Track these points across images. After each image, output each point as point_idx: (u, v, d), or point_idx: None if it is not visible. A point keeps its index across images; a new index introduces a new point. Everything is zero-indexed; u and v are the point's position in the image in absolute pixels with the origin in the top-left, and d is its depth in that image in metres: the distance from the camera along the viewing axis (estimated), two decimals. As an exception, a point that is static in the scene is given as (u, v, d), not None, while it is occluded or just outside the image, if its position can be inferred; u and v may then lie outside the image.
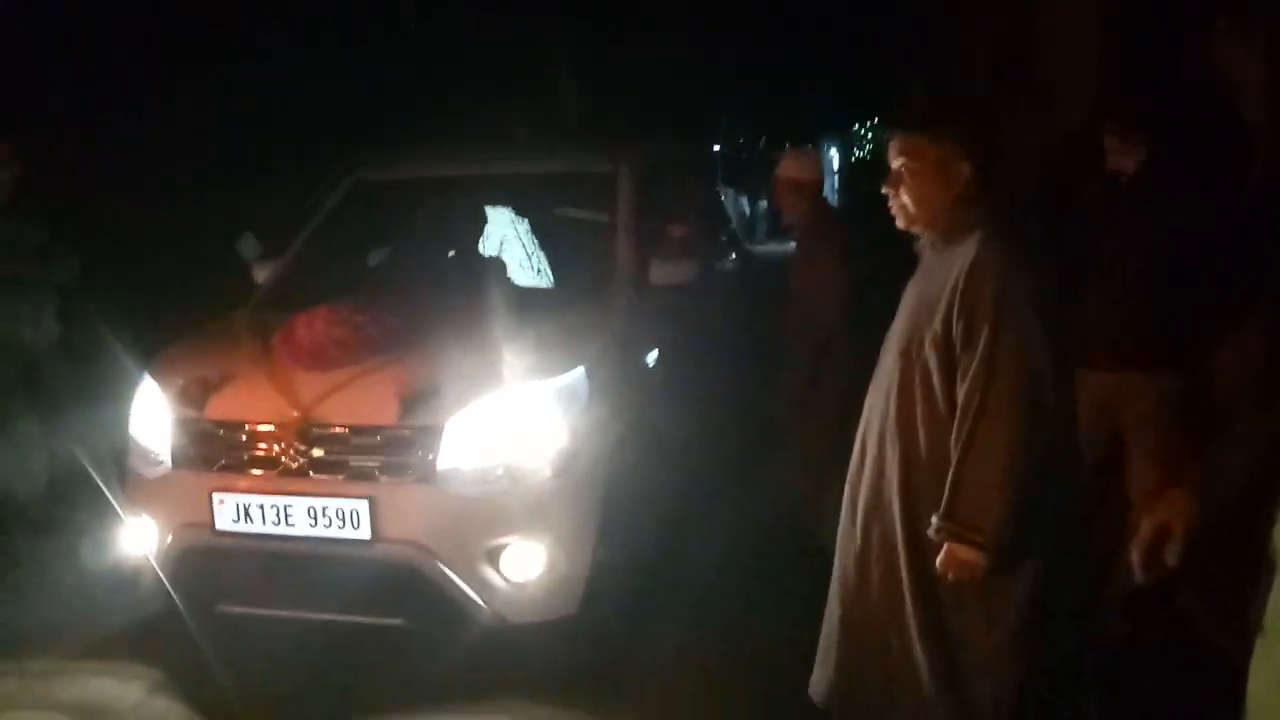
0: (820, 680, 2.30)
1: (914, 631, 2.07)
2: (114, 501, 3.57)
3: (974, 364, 1.94)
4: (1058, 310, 2.02)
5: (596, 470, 3.17)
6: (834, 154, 25.38)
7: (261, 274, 4.04)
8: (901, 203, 2.11)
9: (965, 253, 2.02)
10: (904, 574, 2.08)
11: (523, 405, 3.08)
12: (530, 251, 4.81)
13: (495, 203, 4.74)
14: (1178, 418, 2.97)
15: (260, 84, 7.47)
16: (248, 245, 4.07)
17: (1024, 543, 1.95)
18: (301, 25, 8.45)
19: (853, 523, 2.21)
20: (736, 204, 23.98)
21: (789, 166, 4.05)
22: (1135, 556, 1.64)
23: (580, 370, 3.23)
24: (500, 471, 3.00)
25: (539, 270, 4.77)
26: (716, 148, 23.32)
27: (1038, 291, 1.96)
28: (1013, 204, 2.34)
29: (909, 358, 2.07)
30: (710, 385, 4.48)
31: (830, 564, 2.30)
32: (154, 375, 3.32)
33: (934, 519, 1.98)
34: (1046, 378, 1.92)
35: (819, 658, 2.32)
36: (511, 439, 3.03)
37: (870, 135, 17.36)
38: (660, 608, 3.58)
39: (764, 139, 26.53)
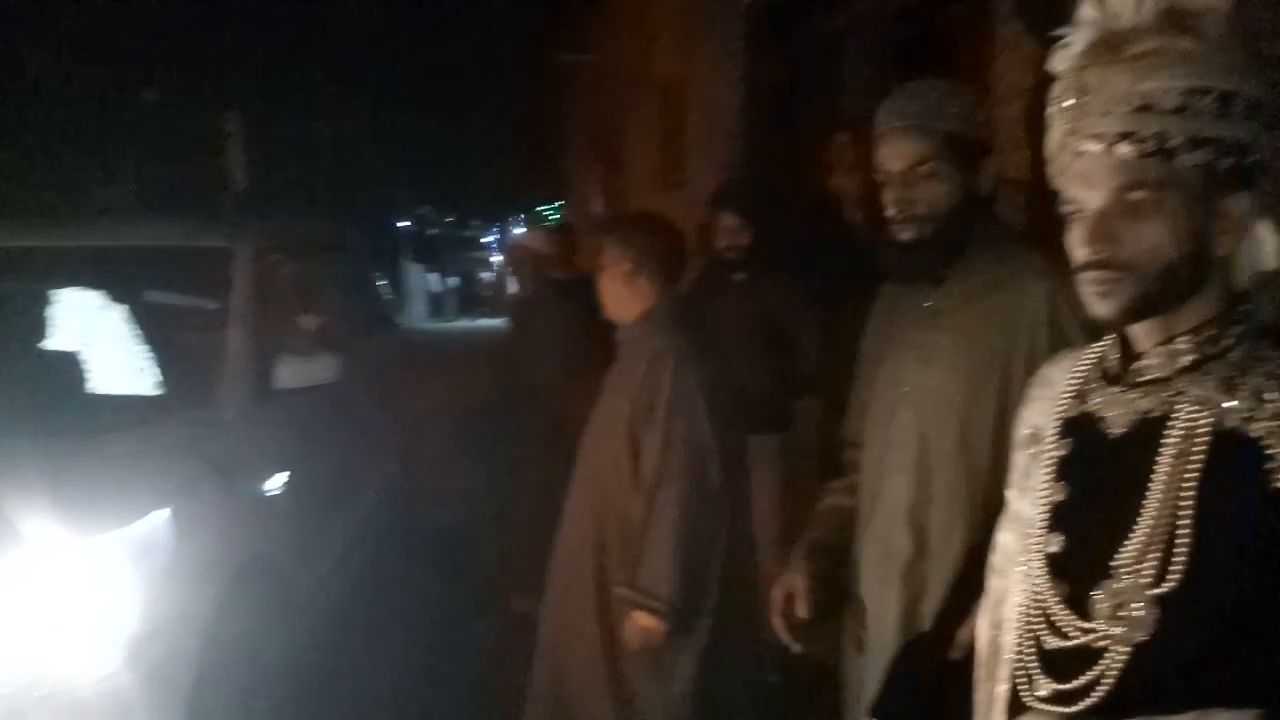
0: None
1: (605, 693, 2.17)
2: None
3: (652, 444, 2.12)
4: (721, 392, 2.21)
5: (182, 655, 2.29)
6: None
7: None
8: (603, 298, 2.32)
9: (650, 344, 2.22)
10: (595, 643, 2.18)
11: (64, 572, 2.14)
12: (118, 347, 3.74)
13: (71, 283, 3.65)
14: (783, 478, 3.21)
15: None
16: None
17: (697, 605, 2.12)
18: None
19: (557, 594, 2.31)
20: (425, 281, 23.28)
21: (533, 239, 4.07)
22: (773, 619, 1.72)
23: (162, 513, 2.35)
24: (25, 680, 2.04)
25: (134, 371, 3.72)
26: (402, 224, 22.58)
27: (703, 376, 2.16)
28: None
29: (603, 440, 2.24)
30: (365, 508, 3.71)
31: None
32: None
33: (617, 589, 2.13)
34: (714, 454, 2.13)
35: None
36: (46, 625, 2.08)
37: (555, 216, 17.55)
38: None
39: (452, 216, 26.19)
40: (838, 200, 3.64)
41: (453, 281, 25.09)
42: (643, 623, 2.07)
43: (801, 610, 1.64)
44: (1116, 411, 0.98)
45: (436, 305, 24.20)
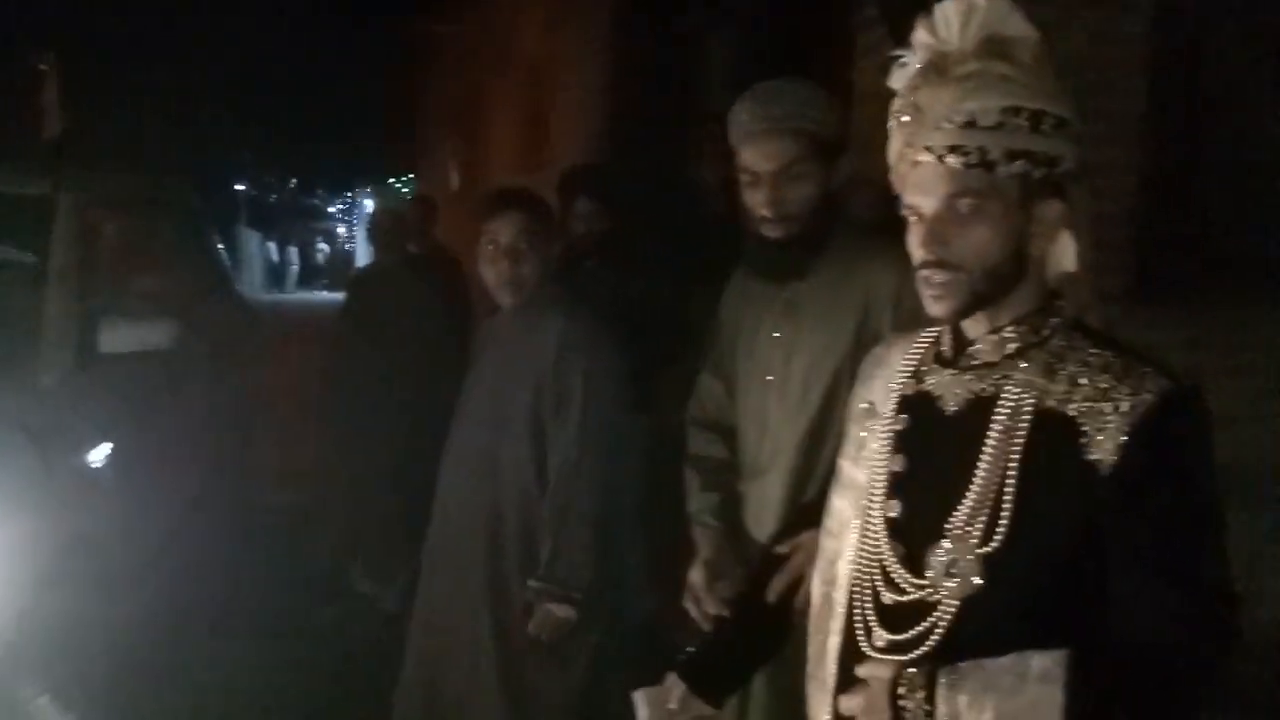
0: None
1: (494, 686, 2.11)
2: None
3: (566, 435, 2.06)
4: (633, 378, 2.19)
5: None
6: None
7: None
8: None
9: (551, 326, 2.11)
10: (487, 634, 2.11)
11: None
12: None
13: None
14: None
15: None
16: None
17: (601, 597, 2.11)
18: None
19: (433, 590, 2.22)
20: (263, 250, 21.94)
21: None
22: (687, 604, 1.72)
23: (-33, 486, 2.14)
24: None
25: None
26: (240, 187, 21.10)
27: (620, 364, 2.13)
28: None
29: (497, 428, 2.13)
30: (198, 484, 3.49)
31: None
32: None
33: (531, 581, 2.05)
34: (629, 444, 2.14)
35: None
36: None
37: (406, 190, 16.84)
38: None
39: (295, 181, 24.68)
40: (699, 189, 3.69)
41: (293, 251, 23.91)
42: (560, 614, 2.04)
43: (710, 607, 1.63)
44: (951, 391, 1.09)
45: (274, 275, 22.98)
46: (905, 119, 1.05)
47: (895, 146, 1.07)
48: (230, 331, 4.39)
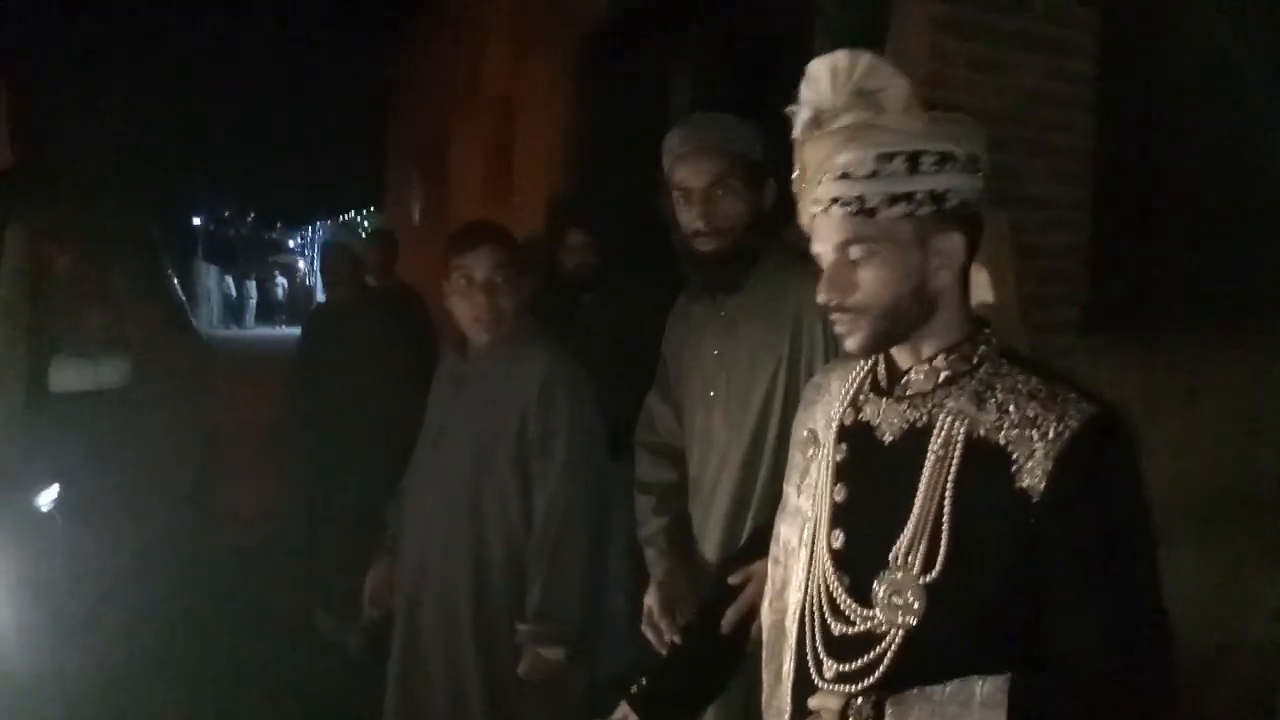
0: None
1: None
2: None
3: (553, 473, 2.03)
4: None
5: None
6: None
7: None
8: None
9: (532, 365, 2.08)
10: (473, 680, 2.06)
11: None
12: None
13: None
14: None
15: None
16: None
17: (590, 637, 2.10)
18: None
19: (413, 635, 2.13)
20: (221, 284, 21.58)
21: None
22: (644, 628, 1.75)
23: (-95, 531, 2.05)
24: None
25: None
26: (197, 220, 20.76)
27: (593, 399, 2.12)
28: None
29: (478, 467, 2.08)
30: (153, 526, 3.39)
31: None
32: None
33: (520, 625, 2.01)
34: (614, 481, 2.10)
35: None
36: None
37: (367, 223, 16.70)
38: None
39: (253, 214, 24.41)
40: (665, 221, 3.71)
41: (250, 286, 23.59)
42: (551, 657, 2.00)
43: (668, 634, 1.65)
44: (888, 420, 1.11)
45: (232, 310, 22.64)
46: (794, 174, 1.10)
47: (798, 200, 1.12)
48: (187, 368, 4.30)
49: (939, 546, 1.02)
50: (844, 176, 1.04)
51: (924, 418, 1.07)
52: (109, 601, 3.02)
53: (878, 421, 1.11)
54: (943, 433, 1.05)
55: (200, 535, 4.28)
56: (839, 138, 1.04)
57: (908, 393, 1.10)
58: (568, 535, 2.02)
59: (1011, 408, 1.03)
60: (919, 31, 2.93)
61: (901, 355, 1.11)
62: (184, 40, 12.53)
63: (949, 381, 1.08)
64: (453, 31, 8.66)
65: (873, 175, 1.03)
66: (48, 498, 2.65)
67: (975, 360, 1.08)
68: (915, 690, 1.00)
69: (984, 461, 1.02)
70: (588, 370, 2.18)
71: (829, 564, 1.11)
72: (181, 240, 17.99)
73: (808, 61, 1.06)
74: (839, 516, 1.12)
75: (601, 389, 2.65)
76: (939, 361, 1.09)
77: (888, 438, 1.10)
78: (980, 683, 0.97)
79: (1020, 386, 1.04)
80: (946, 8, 2.93)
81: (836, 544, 1.11)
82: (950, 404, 1.06)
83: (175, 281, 4.84)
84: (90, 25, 10.59)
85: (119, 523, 3.14)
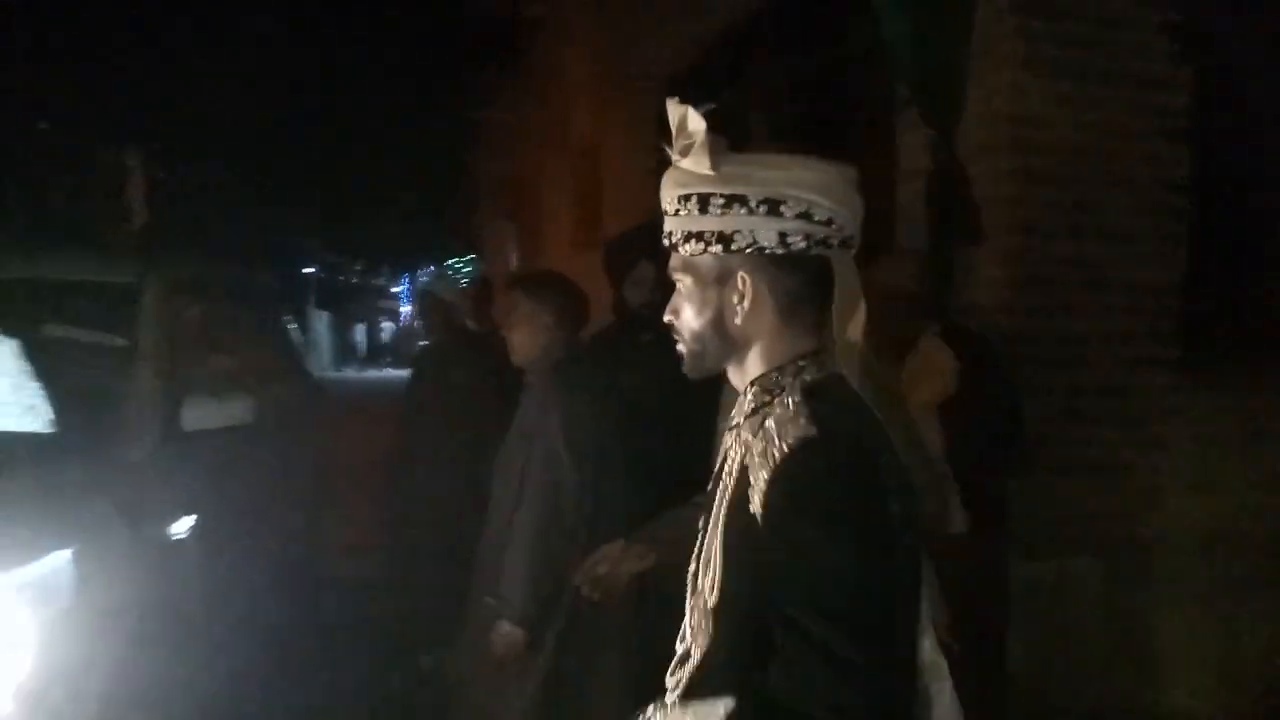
0: None
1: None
2: None
3: (525, 474, 2.42)
4: (607, 433, 2.46)
5: (82, 704, 2.22)
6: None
7: None
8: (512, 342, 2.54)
9: (550, 392, 2.47)
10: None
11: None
12: (15, 383, 3.60)
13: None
14: None
15: None
16: None
17: (546, 618, 2.35)
18: None
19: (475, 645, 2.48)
20: (332, 329, 22.63)
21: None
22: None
23: (63, 555, 2.29)
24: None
25: (26, 408, 3.58)
26: (310, 270, 21.94)
27: (578, 418, 2.41)
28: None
29: (507, 482, 2.49)
30: (275, 557, 3.62)
31: None
32: None
33: (487, 597, 2.39)
34: (567, 484, 2.38)
35: None
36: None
37: (468, 269, 17.30)
38: None
39: (361, 263, 25.55)
40: None
41: (360, 330, 24.60)
42: (504, 630, 2.31)
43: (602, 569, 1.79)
44: (721, 447, 1.19)
45: (342, 353, 23.68)
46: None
47: None
48: (300, 408, 4.60)
49: (714, 572, 1.09)
50: (664, 213, 1.15)
51: (733, 446, 1.14)
52: (237, 627, 3.24)
53: (721, 448, 1.19)
54: (730, 463, 1.12)
55: (313, 566, 4.53)
56: (667, 179, 1.14)
57: (732, 422, 1.16)
58: (517, 524, 2.37)
59: (761, 434, 1.06)
60: (999, 69, 2.98)
61: (736, 383, 1.18)
62: (297, 110, 13.41)
63: (754, 411, 1.11)
64: (539, 84, 9.00)
65: (676, 214, 1.13)
66: (182, 527, 2.91)
67: (777, 391, 1.10)
68: (676, 709, 1.10)
69: (742, 488, 1.07)
70: (643, 413, 2.35)
71: (689, 586, 1.19)
72: (297, 289, 18.95)
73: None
74: (698, 543, 1.18)
75: (657, 432, 2.72)
76: (748, 392, 1.14)
77: (718, 464, 1.17)
78: (710, 705, 1.05)
79: (779, 414, 1.06)
80: (1029, 46, 2.96)
81: (691, 567, 1.18)
82: (745, 434, 1.10)
83: (291, 327, 5.19)
84: (214, 99, 11.45)
85: (244, 552, 3.38)
